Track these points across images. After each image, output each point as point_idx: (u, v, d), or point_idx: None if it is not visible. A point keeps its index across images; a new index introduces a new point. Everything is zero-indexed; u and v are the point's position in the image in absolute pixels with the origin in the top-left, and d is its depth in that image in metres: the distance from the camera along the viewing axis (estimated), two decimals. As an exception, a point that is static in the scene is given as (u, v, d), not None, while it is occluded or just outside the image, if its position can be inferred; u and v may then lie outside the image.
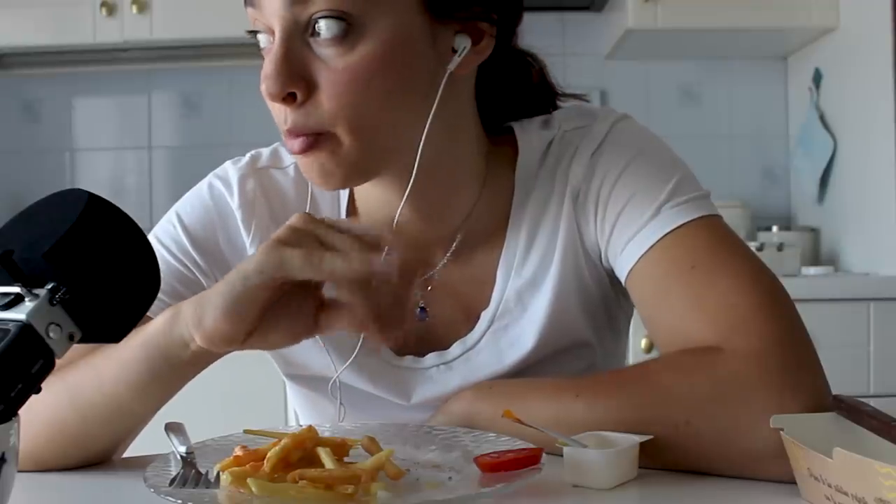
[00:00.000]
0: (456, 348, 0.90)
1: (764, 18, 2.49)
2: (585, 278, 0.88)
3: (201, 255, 0.91)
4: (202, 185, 0.95)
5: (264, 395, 1.95)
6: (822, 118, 2.60)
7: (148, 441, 0.83)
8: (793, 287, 0.84)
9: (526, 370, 0.88)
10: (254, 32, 0.81)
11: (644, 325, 0.84)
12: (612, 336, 0.94)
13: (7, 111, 2.88)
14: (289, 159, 0.94)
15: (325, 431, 0.77)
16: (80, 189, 0.59)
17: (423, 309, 0.90)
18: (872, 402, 0.67)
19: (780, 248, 2.40)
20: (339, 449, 0.68)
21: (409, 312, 0.71)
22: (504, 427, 0.73)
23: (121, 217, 0.59)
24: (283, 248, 0.67)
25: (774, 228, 2.65)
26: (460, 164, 0.89)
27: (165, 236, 0.92)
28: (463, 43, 0.81)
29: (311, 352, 0.90)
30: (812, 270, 2.42)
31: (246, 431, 0.74)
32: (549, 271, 0.88)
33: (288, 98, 0.77)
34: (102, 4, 2.50)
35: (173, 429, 0.76)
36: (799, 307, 0.77)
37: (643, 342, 2.13)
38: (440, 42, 0.80)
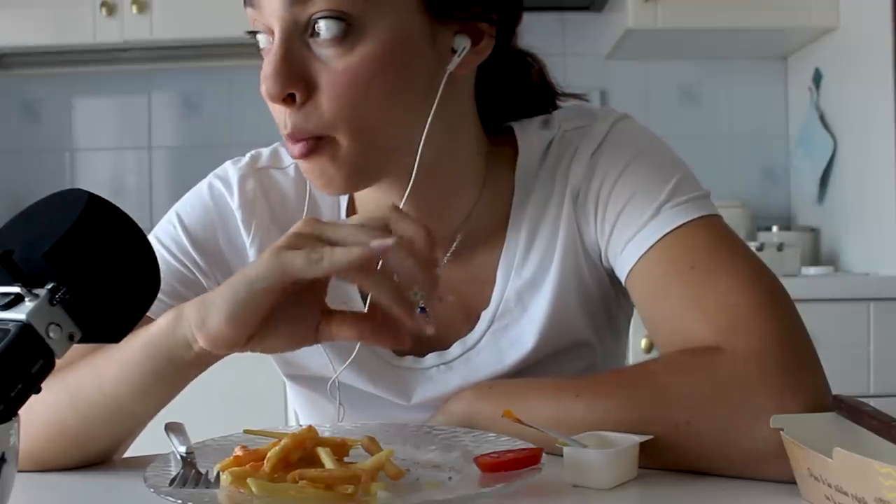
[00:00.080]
0: (456, 348, 0.90)
1: (764, 18, 2.49)
2: (585, 278, 0.88)
3: (201, 255, 0.91)
4: (202, 186, 0.95)
5: (264, 395, 1.96)
6: (822, 118, 2.60)
7: (148, 441, 0.82)
8: (793, 287, 0.84)
9: (526, 370, 0.88)
10: (253, 33, 0.81)
11: (644, 325, 0.84)
12: (612, 336, 0.94)
13: (7, 111, 2.88)
14: (289, 159, 0.94)
15: (325, 431, 0.77)
16: (80, 189, 0.59)
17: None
18: (872, 402, 0.67)
19: (780, 248, 2.40)
20: (339, 449, 0.68)
21: (434, 291, 0.70)
22: (504, 427, 0.73)
23: (121, 217, 0.59)
24: (284, 253, 0.67)
25: (774, 228, 2.65)
26: (460, 164, 0.89)
27: (165, 236, 0.92)
28: (463, 43, 0.81)
29: (311, 352, 0.90)
30: (812, 270, 2.42)
31: (246, 431, 0.74)
32: (549, 271, 0.88)
33: (287, 99, 0.77)
34: (102, 4, 2.50)
35: (173, 429, 0.76)
36: (799, 307, 0.77)
37: (643, 342, 2.13)
38: (440, 42, 0.80)
